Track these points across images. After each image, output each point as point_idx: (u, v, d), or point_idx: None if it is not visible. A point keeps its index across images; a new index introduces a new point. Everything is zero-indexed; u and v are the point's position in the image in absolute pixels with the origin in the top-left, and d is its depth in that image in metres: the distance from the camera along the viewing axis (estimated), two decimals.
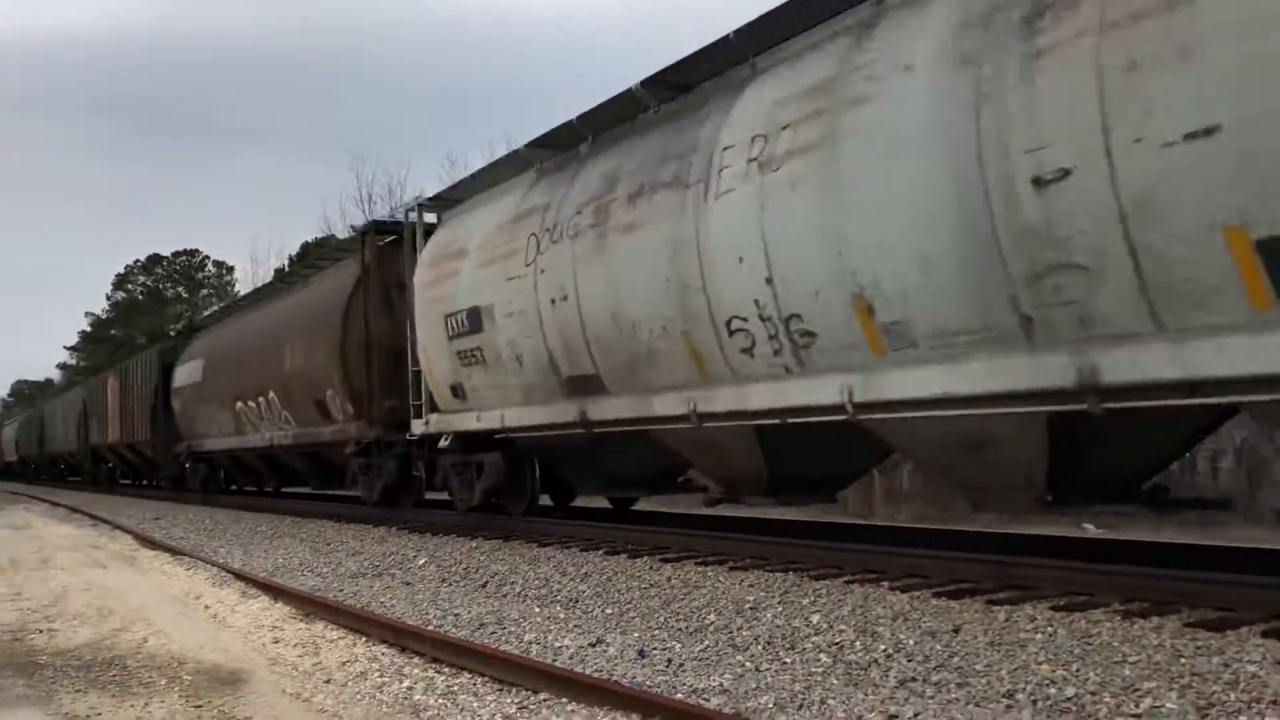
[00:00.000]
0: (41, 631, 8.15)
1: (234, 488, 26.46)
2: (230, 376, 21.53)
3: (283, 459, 20.95)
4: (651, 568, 9.17)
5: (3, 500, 35.98)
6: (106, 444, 35.00)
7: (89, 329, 78.27)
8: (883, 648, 6.04)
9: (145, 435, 29.26)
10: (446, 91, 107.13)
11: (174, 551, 13.88)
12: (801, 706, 5.12)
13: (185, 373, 25.52)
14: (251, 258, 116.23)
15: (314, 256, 19.99)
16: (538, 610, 8.26)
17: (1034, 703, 4.92)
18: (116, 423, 32.96)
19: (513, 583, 9.50)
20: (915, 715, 4.81)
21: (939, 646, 5.90)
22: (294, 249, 48.63)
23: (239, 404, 20.99)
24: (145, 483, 35.48)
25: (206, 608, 9.08)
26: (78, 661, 6.95)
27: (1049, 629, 6.00)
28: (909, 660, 5.78)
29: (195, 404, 24.56)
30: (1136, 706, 4.68)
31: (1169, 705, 4.66)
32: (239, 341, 21.86)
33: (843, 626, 6.56)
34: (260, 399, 19.72)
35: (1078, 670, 5.22)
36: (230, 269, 73.73)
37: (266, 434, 20.10)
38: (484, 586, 9.64)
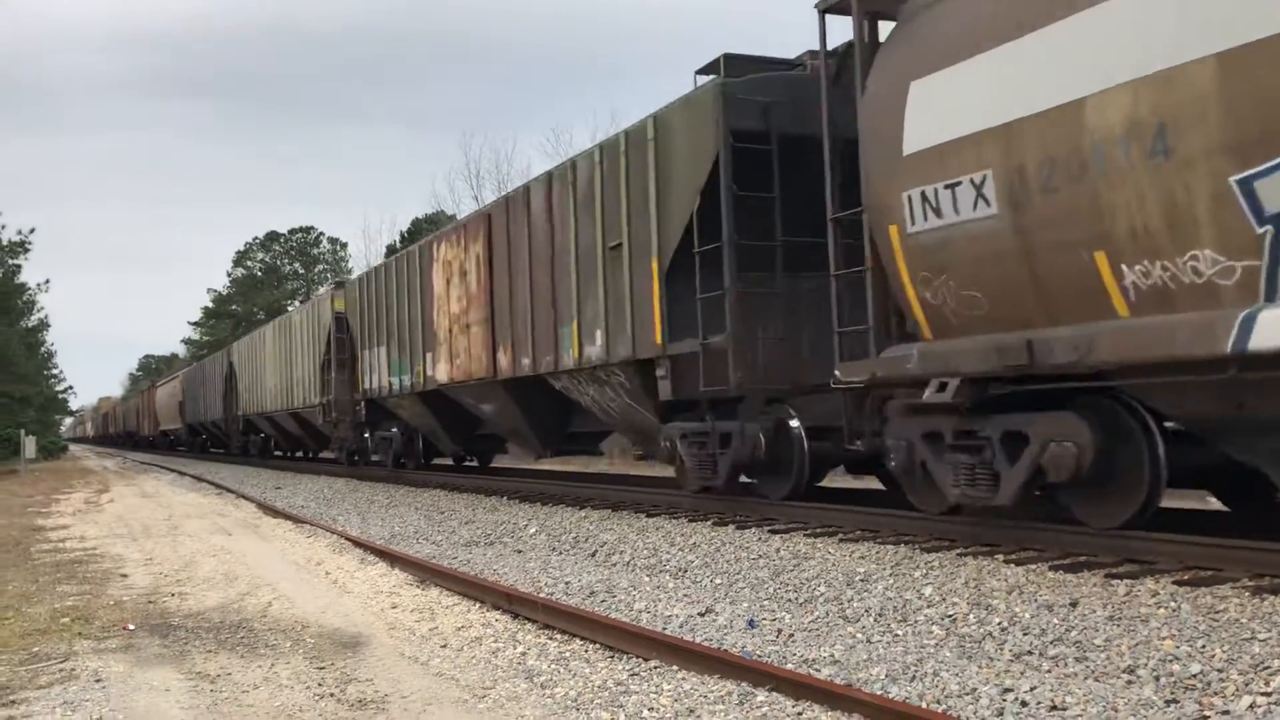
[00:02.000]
0: (174, 595, 8.53)
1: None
2: None
3: None
4: (760, 539, 9.16)
5: (133, 471, 37.64)
6: (425, 385, 17.57)
7: (211, 305, 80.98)
8: (997, 620, 5.95)
9: (628, 349, 11.55)
10: (548, 66, 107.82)
11: (295, 519, 14.37)
12: (914, 679, 5.08)
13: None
14: (364, 234, 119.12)
15: None
16: (647, 579, 8.33)
17: (1156, 679, 4.79)
18: (470, 339, 15.63)
19: (621, 552, 9.59)
20: (1031, 689, 4.73)
21: (1056, 620, 5.78)
22: (405, 225, 49.55)
23: None
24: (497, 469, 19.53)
25: (327, 574, 9.37)
26: (208, 623, 7.25)
27: (1172, 604, 5.83)
28: (1024, 634, 5.68)
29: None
30: (1266, 685, 4.53)
31: None
32: None
33: (956, 599, 6.47)
34: None
35: (1203, 646, 5.06)
36: (344, 245, 75.69)
37: None
38: (593, 555, 9.76)
